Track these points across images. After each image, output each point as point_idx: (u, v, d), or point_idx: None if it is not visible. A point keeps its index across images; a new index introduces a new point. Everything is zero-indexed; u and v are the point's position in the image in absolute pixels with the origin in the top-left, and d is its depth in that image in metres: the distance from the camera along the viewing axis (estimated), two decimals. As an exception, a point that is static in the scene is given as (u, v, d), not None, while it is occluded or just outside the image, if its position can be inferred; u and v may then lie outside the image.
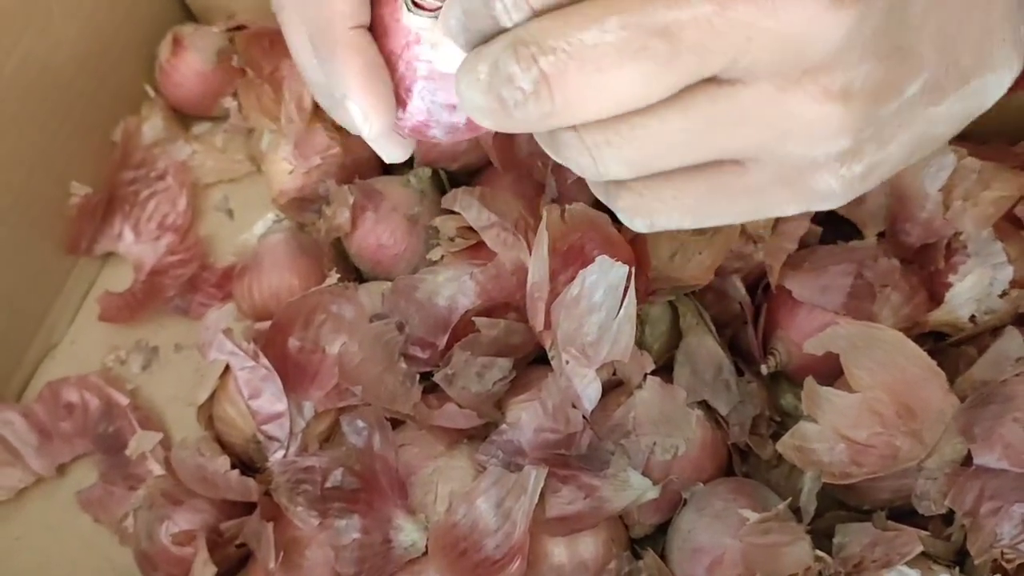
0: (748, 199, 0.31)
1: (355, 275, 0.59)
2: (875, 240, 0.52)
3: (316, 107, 0.59)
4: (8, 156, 0.59)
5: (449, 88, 0.33)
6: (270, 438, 0.51)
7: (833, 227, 0.54)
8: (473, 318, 0.49)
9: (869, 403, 0.45)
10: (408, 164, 0.60)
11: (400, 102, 0.35)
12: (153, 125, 0.68)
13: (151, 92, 0.68)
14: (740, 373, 0.51)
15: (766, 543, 0.44)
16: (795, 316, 0.51)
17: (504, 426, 0.49)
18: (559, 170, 0.54)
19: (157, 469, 0.56)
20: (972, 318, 0.50)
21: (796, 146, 0.28)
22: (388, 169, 0.63)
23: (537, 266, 0.48)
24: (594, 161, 0.29)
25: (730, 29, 0.25)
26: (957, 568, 0.44)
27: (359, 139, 0.60)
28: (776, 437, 0.48)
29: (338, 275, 0.53)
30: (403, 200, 0.57)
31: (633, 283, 0.45)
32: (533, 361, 0.52)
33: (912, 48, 0.28)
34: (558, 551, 0.47)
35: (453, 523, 0.47)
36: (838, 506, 0.49)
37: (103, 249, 0.66)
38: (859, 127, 0.28)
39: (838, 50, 0.26)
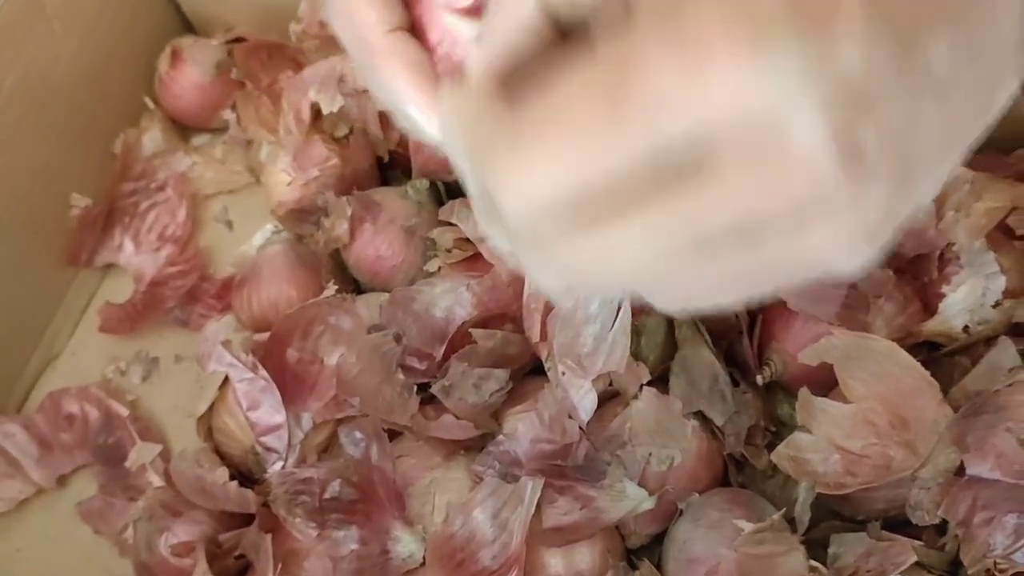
0: None
1: (353, 286, 0.59)
2: (869, 251, 0.53)
3: (314, 119, 0.60)
4: (9, 168, 0.60)
5: None
6: (268, 449, 0.51)
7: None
8: (470, 329, 0.50)
9: (863, 413, 0.46)
10: (406, 176, 0.61)
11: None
12: (153, 137, 0.68)
13: (151, 104, 0.68)
14: (736, 384, 0.51)
15: (761, 553, 0.44)
16: (790, 327, 0.51)
17: (501, 437, 0.49)
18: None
19: (156, 480, 0.56)
20: (965, 328, 0.50)
21: None
22: (386, 181, 0.64)
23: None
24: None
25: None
26: (951, 577, 0.44)
27: (357, 150, 0.61)
28: (772, 447, 0.49)
29: (336, 286, 0.54)
30: (401, 212, 0.57)
31: (628, 295, 0.46)
32: (529, 372, 0.53)
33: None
34: (554, 561, 0.47)
35: (450, 534, 0.47)
36: (833, 516, 0.49)
37: (103, 261, 0.67)
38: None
39: None
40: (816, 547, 0.46)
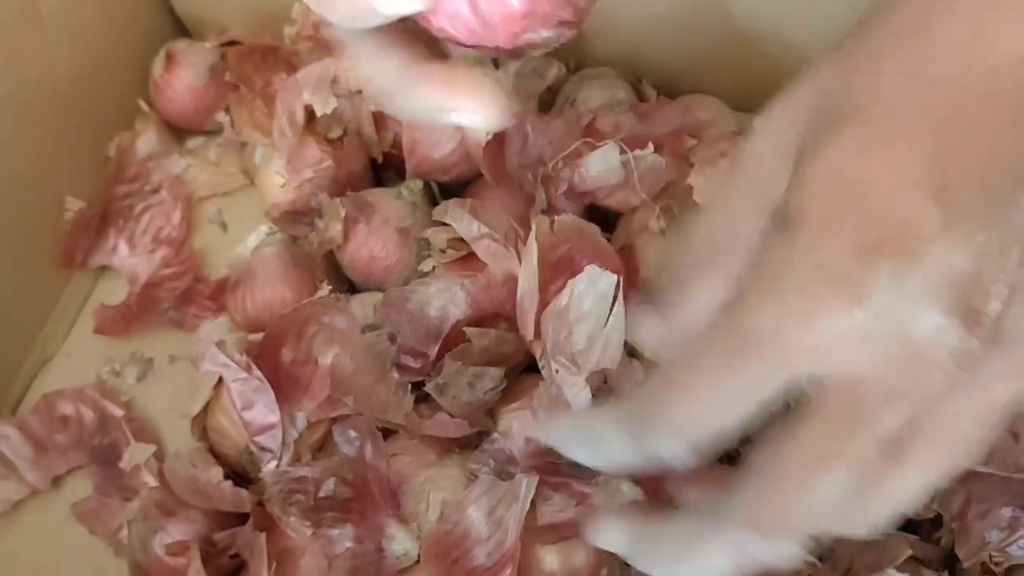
0: None
1: (347, 287, 0.59)
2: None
3: (308, 121, 0.60)
4: (3, 171, 0.60)
5: None
6: (263, 449, 0.51)
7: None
8: (464, 328, 0.50)
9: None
10: (400, 177, 0.61)
11: None
12: (147, 140, 0.68)
13: (145, 107, 0.69)
14: (730, 381, 0.51)
15: (755, 549, 0.44)
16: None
17: (495, 435, 0.49)
18: (548, 182, 0.55)
19: (151, 480, 0.56)
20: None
21: None
22: (380, 182, 0.64)
23: (527, 276, 0.48)
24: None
25: None
26: (946, 572, 0.44)
27: (351, 152, 0.61)
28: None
29: (330, 287, 0.54)
30: (395, 212, 0.57)
31: (622, 292, 0.46)
32: (524, 371, 0.53)
33: None
34: (549, 559, 0.47)
35: (445, 531, 0.47)
36: (828, 512, 0.49)
37: (98, 263, 0.67)
38: None
39: None
40: (812, 543, 0.46)
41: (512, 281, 0.50)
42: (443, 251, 0.53)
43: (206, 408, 0.54)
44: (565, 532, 0.47)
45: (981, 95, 0.26)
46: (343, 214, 0.56)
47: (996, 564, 0.43)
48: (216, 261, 0.66)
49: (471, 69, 0.31)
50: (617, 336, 0.46)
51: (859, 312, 0.25)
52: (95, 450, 0.60)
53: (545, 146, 0.56)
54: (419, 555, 0.48)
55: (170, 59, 0.68)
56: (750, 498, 0.29)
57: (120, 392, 0.62)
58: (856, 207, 0.25)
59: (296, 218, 0.60)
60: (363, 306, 0.54)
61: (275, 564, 0.48)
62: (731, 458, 0.51)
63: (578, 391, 0.47)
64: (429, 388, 0.49)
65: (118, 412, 0.60)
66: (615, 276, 0.45)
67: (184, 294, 0.64)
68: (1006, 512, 0.43)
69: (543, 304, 0.48)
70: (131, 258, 0.66)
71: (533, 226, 0.49)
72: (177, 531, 0.51)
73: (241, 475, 0.53)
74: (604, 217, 0.55)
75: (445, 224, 0.53)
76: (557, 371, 0.47)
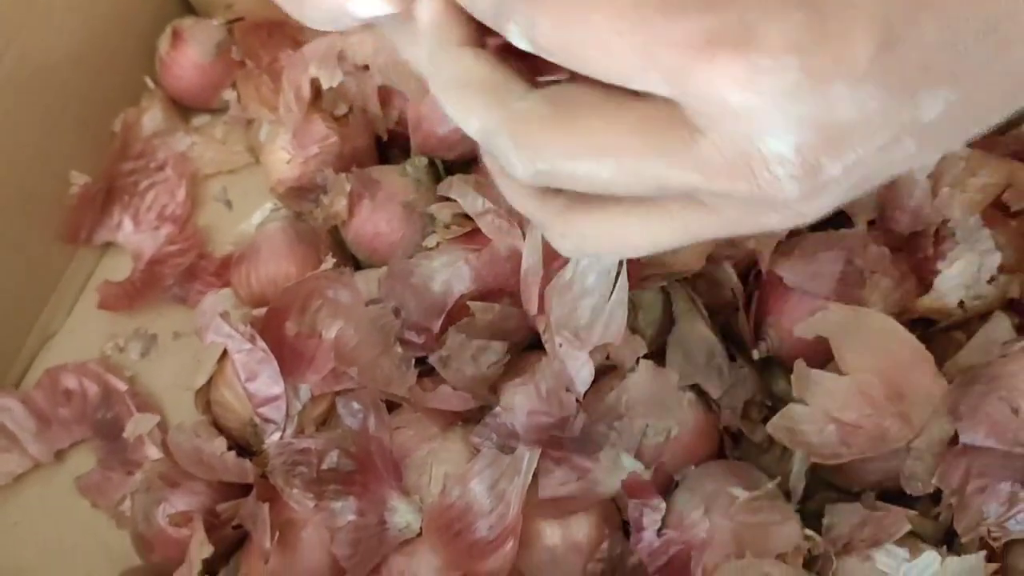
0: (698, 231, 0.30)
1: (352, 263, 0.59)
2: (865, 228, 0.53)
3: (314, 98, 0.60)
4: (8, 146, 0.60)
5: None
6: (266, 420, 0.51)
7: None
8: (468, 302, 0.50)
9: (858, 385, 0.46)
10: (405, 155, 0.61)
11: None
12: (153, 116, 0.68)
13: (151, 84, 0.69)
14: (732, 358, 0.52)
15: (756, 522, 0.45)
16: (786, 302, 0.51)
17: (498, 409, 0.49)
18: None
19: (154, 453, 0.56)
20: (960, 304, 0.50)
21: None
22: (385, 159, 0.64)
23: (531, 251, 0.49)
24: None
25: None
26: (945, 547, 0.44)
27: (356, 129, 0.61)
28: (768, 422, 0.49)
29: (334, 260, 0.54)
30: (400, 189, 0.58)
31: (625, 267, 0.46)
32: (527, 347, 0.53)
33: None
34: (551, 532, 0.48)
35: (447, 504, 0.47)
36: (828, 488, 0.50)
37: (102, 239, 0.67)
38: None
39: None
40: (811, 518, 0.47)
41: (516, 256, 0.51)
42: (447, 226, 0.54)
43: (210, 381, 0.54)
44: (567, 506, 0.48)
45: None
46: (348, 190, 0.57)
47: (994, 539, 0.43)
48: (220, 238, 0.66)
49: None
50: (620, 311, 0.46)
51: (748, 78, 0.24)
52: (98, 424, 0.60)
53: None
54: (421, 528, 0.48)
55: (176, 36, 0.68)
56: (535, 110, 0.28)
57: (124, 368, 0.63)
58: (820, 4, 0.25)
59: (301, 194, 0.60)
60: (367, 281, 0.54)
61: (277, 535, 0.48)
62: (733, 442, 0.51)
63: (581, 366, 0.47)
64: (433, 360, 0.49)
65: (122, 386, 0.60)
66: (619, 251, 0.46)
67: (188, 271, 0.64)
68: (1005, 487, 0.43)
69: (547, 279, 0.48)
70: (135, 235, 0.66)
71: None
72: (180, 502, 0.51)
73: (244, 448, 0.53)
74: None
75: (450, 200, 0.53)
76: (560, 345, 0.47)
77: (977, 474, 0.43)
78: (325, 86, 0.59)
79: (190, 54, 0.67)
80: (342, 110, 0.61)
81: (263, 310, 0.54)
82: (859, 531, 0.45)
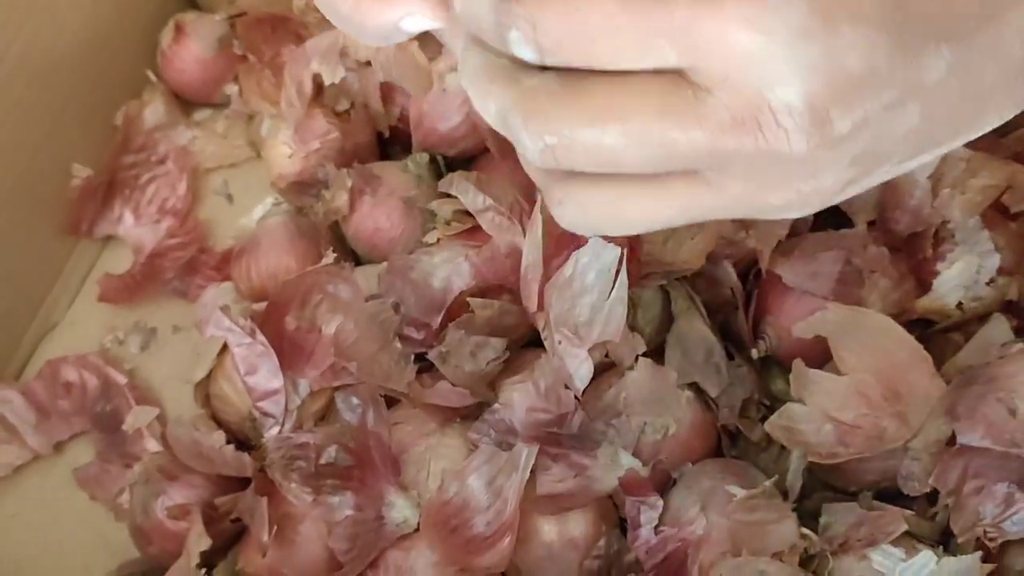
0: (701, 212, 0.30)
1: (352, 258, 0.59)
2: (865, 228, 0.53)
3: (316, 93, 0.60)
4: (10, 138, 0.60)
5: None
6: (265, 414, 0.51)
7: (823, 215, 0.54)
8: (467, 298, 0.50)
9: (856, 385, 0.46)
10: (406, 151, 0.61)
11: None
12: (154, 110, 0.68)
13: (153, 78, 0.69)
14: (731, 357, 0.52)
15: (753, 520, 0.45)
16: (785, 301, 0.52)
17: (496, 405, 0.49)
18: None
19: (153, 446, 0.57)
20: (959, 305, 0.50)
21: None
22: (386, 156, 0.64)
23: (531, 248, 0.49)
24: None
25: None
26: (941, 547, 0.45)
27: (358, 125, 0.62)
28: (766, 421, 0.49)
29: (335, 254, 0.54)
30: (400, 184, 0.58)
31: (625, 265, 0.46)
32: (526, 344, 0.53)
33: None
34: (548, 528, 0.48)
35: (445, 500, 0.47)
36: (825, 487, 0.50)
37: (103, 232, 0.67)
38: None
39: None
40: (808, 518, 0.47)
41: (516, 253, 0.51)
42: (448, 223, 0.54)
43: (209, 375, 0.54)
44: (564, 502, 0.48)
45: None
46: (349, 185, 0.57)
47: (990, 539, 0.43)
48: (221, 232, 0.67)
49: None
50: (620, 309, 0.46)
51: (749, 35, 0.25)
52: (97, 416, 0.60)
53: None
54: (419, 523, 0.48)
55: (179, 30, 0.68)
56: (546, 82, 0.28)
57: (123, 361, 0.63)
58: None
59: (302, 189, 0.60)
60: (367, 277, 0.54)
61: (275, 529, 0.48)
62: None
63: (580, 363, 0.47)
64: (432, 356, 0.49)
65: (121, 379, 0.60)
66: (618, 249, 0.46)
67: (188, 264, 0.64)
68: (1001, 488, 0.43)
69: (546, 276, 0.48)
70: (136, 228, 0.67)
71: (538, 199, 0.49)
72: (179, 495, 0.51)
73: (243, 442, 0.53)
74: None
75: (451, 196, 0.53)
76: (560, 343, 0.47)
77: (974, 475, 0.43)
78: (327, 82, 0.59)
79: (192, 48, 0.67)
80: (344, 106, 0.61)
81: (263, 304, 0.55)
82: (856, 531, 0.45)
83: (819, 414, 0.46)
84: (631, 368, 0.49)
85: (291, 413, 0.51)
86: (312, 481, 0.49)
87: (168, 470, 0.52)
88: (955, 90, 0.27)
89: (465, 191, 0.53)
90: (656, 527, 0.47)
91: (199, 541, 0.48)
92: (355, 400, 0.50)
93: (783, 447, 0.49)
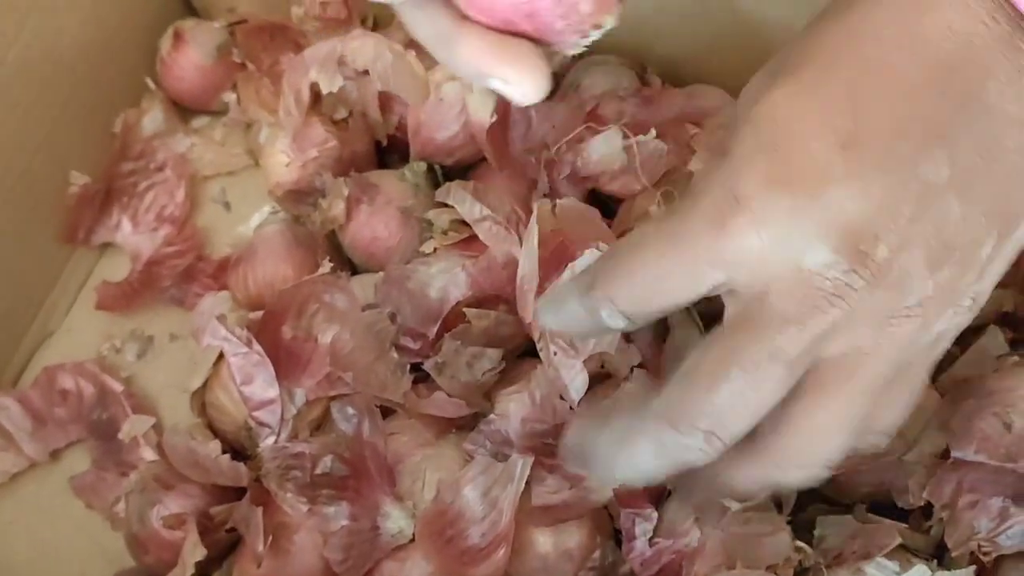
0: None
1: (349, 267, 0.59)
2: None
3: (314, 101, 0.60)
4: (8, 145, 0.60)
5: None
6: (261, 424, 0.51)
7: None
8: (464, 309, 0.50)
9: (852, 398, 0.46)
10: (404, 160, 0.61)
11: None
12: (153, 118, 0.68)
13: (151, 85, 0.69)
14: (726, 368, 0.52)
15: (747, 533, 0.45)
16: (781, 313, 0.51)
17: (492, 416, 0.49)
18: (551, 166, 0.55)
19: (150, 455, 0.57)
20: (955, 317, 0.50)
21: None
22: (384, 164, 0.64)
23: (527, 259, 0.49)
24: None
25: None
26: (935, 561, 0.44)
27: (356, 133, 0.62)
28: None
29: (331, 264, 0.54)
30: (398, 193, 0.58)
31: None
32: (522, 354, 0.53)
33: None
34: (543, 540, 0.48)
35: (440, 511, 0.47)
36: (820, 500, 0.50)
37: (101, 239, 0.67)
38: None
39: None
40: (803, 530, 0.47)
41: (513, 263, 0.51)
42: (445, 232, 0.54)
43: (206, 384, 0.54)
44: (559, 514, 0.48)
45: (908, 58, 0.29)
46: (346, 194, 0.57)
47: (985, 554, 0.43)
48: (219, 240, 0.67)
49: (520, 40, 0.33)
50: (615, 320, 0.46)
51: (759, 234, 0.29)
52: (94, 424, 0.60)
53: (548, 130, 0.56)
54: (414, 534, 0.48)
55: (178, 37, 0.68)
56: (670, 396, 0.32)
57: (120, 368, 0.63)
58: (773, 145, 0.29)
59: (299, 197, 0.60)
60: (364, 286, 0.54)
61: (271, 539, 0.48)
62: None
63: (575, 374, 0.47)
64: (428, 366, 0.49)
65: (118, 387, 0.60)
66: (614, 260, 0.46)
67: (186, 272, 0.64)
68: (996, 502, 0.43)
69: (543, 287, 0.48)
70: (134, 235, 0.67)
71: (535, 209, 0.49)
72: (174, 504, 0.51)
73: (239, 451, 0.53)
74: (605, 203, 0.56)
75: (448, 206, 0.53)
76: (555, 354, 0.47)
77: (968, 489, 0.43)
78: (325, 90, 0.59)
79: (191, 56, 0.67)
80: (342, 114, 0.61)
81: (260, 313, 0.55)
82: (850, 543, 0.45)
83: (814, 426, 0.46)
84: (627, 379, 0.49)
85: (287, 423, 0.51)
86: (308, 491, 0.49)
87: (164, 479, 0.52)
88: (975, 174, 0.29)
89: (462, 201, 0.53)
90: (651, 539, 0.47)
91: (194, 551, 0.48)
92: (351, 410, 0.50)
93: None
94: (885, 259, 0.29)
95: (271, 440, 0.51)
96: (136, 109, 0.68)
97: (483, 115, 0.54)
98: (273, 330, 0.53)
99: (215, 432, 0.54)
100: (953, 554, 0.44)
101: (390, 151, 0.64)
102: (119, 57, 0.68)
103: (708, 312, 0.53)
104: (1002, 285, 0.49)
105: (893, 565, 0.43)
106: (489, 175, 0.58)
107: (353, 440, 0.50)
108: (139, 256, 0.66)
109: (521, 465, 0.46)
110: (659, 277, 0.32)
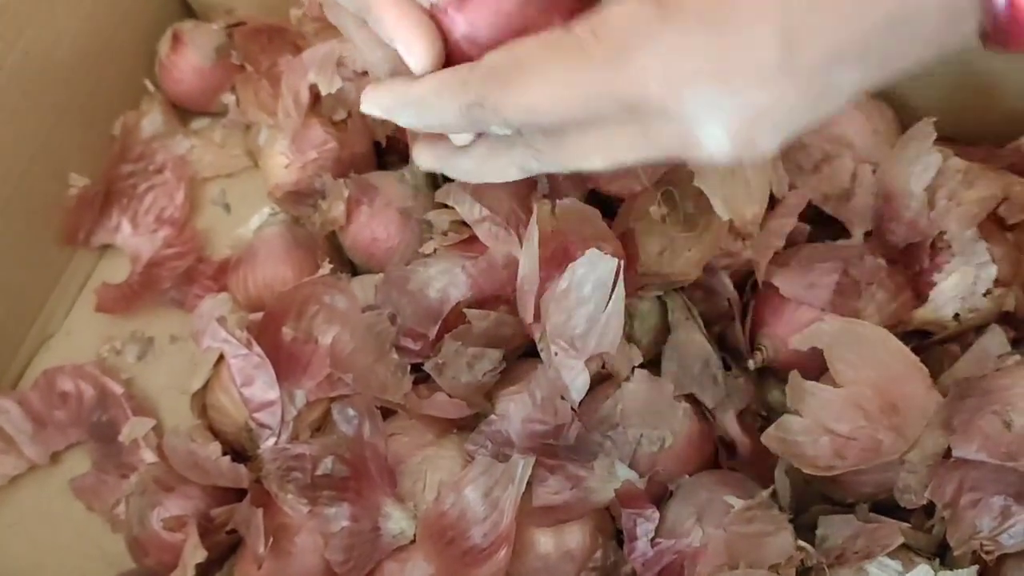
0: None
1: (349, 268, 0.59)
2: (861, 239, 0.53)
3: (313, 102, 0.60)
4: (8, 147, 0.60)
5: None
6: (262, 426, 0.51)
7: (821, 226, 0.55)
8: (464, 309, 0.50)
9: (853, 397, 0.46)
10: (403, 161, 0.61)
11: None
12: (152, 120, 0.68)
13: (151, 87, 0.69)
14: (727, 368, 0.52)
15: (749, 532, 0.45)
16: (782, 312, 0.52)
17: (493, 417, 0.49)
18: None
19: (150, 457, 0.57)
20: (956, 316, 0.50)
21: None
22: (384, 166, 0.64)
23: (527, 259, 0.49)
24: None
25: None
26: (938, 560, 0.44)
27: (355, 135, 0.62)
28: (762, 432, 0.49)
29: (331, 265, 0.54)
30: (397, 195, 0.58)
31: (622, 276, 0.46)
32: (523, 355, 0.53)
33: None
34: (544, 540, 0.48)
35: (441, 512, 0.47)
36: (822, 500, 0.50)
37: (100, 241, 0.67)
38: None
39: None
40: (806, 530, 0.47)
41: (513, 264, 0.51)
42: (445, 233, 0.54)
43: (206, 385, 0.54)
44: (560, 514, 0.48)
45: None
46: (346, 195, 0.57)
47: (987, 552, 0.43)
48: (219, 242, 0.67)
49: (421, 14, 0.36)
50: (616, 320, 0.46)
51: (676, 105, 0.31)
52: (94, 426, 0.60)
53: (548, 131, 0.56)
54: (415, 535, 0.48)
55: (176, 40, 0.68)
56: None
57: (120, 370, 0.63)
58: (716, 26, 0.30)
59: (299, 199, 0.60)
60: (364, 287, 0.54)
61: (271, 541, 0.48)
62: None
63: (576, 374, 0.47)
64: (428, 367, 0.49)
65: (118, 389, 0.60)
66: (615, 260, 0.46)
67: (186, 274, 0.65)
68: (997, 501, 0.43)
69: (543, 287, 0.48)
70: (134, 237, 0.67)
71: (535, 210, 0.49)
72: (175, 506, 0.51)
73: (240, 453, 0.53)
74: (606, 203, 0.56)
75: (447, 206, 0.53)
76: (556, 354, 0.47)
77: (970, 488, 0.43)
78: (324, 92, 0.59)
79: (190, 58, 0.68)
80: (341, 116, 0.61)
81: (259, 315, 0.54)
82: (852, 543, 0.45)
83: (816, 426, 0.46)
84: (628, 379, 0.49)
85: (287, 424, 0.51)
86: (308, 492, 0.49)
87: (164, 481, 0.52)
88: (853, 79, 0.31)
89: (462, 202, 0.52)
90: (652, 539, 0.47)
91: (195, 553, 0.48)
92: (351, 411, 0.50)
93: (780, 458, 0.49)
94: (767, 150, 0.32)
95: (271, 441, 0.51)
96: (135, 111, 0.69)
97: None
98: (273, 332, 0.53)
99: (215, 434, 0.54)
100: (955, 553, 0.44)
101: (389, 151, 0.64)
102: (118, 60, 0.68)
103: (709, 314, 0.53)
104: (1004, 284, 0.49)
105: (896, 564, 0.43)
106: (489, 176, 0.57)
107: (354, 441, 0.50)
108: (139, 258, 0.66)
109: (522, 466, 0.46)
110: (558, 103, 0.33)
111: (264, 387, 0.51)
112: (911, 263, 0.52)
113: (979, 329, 0.50)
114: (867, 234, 0.54)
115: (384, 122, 0.61)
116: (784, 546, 0.44)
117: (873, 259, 0.51)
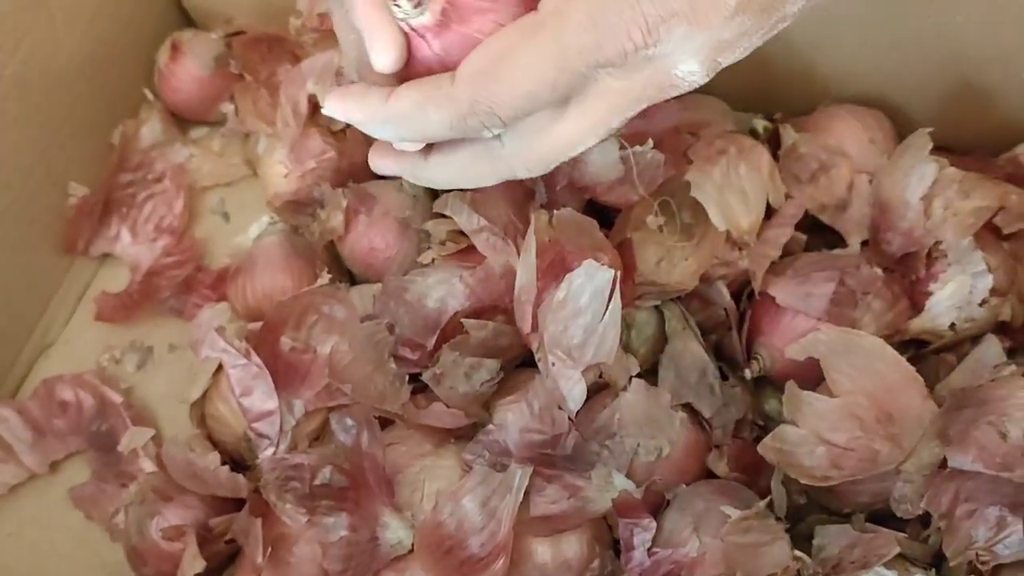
0: None
1: (347, 278, 0.59)
2: (858, 248, 0.53)
3: (312, 111, 0.60)
4: (7, 156, 0.60)
5: None
6: (260, 435, 0.51)
7: (817, 235, 0.55)
8: (462, 319, 0.50)
9: (849, 407, 0.46)
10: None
11: None
12: (151, 128, 0.69)
13: (150, 96, 0.69)
14: (724, 378, 0.52)
15: (746, 542, 0.45)
16: (778, 322, 0.52)
17: (491, 426, 0.49)
18: (549, 177, 0.55)
19: (149, 466, 0.57)
20: (952, 326, 0.51)
21: None
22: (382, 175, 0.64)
23: (525, 269, 0.49)
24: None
25: None
26: (934, 570, 0.45)
27: (354, 144, 0.62)
28: (759, 441, 0.49)
29: (330, 275, 0.54)
30: (396, 204, 0.58)
31: (619, 287, 0.46)
32: (520, 364, 0.53)
33: None
34: (542, 550, 0.48)
35: (439, 521, 0.47)
36: (819, 510, 0.50)
37: (100, 250, 0.67)
38: None
39: None
40: (802, 540, 0.47)
41: (511, 274, 0.51)
42: (443, 243, 0.54)
43: (204, 396, 0.54)
44: (558, 524, 0.48)
45: None
46: (344, 205, 0.57)
47: (983, 563, 0.43)
48: (217, 251, 0.67)
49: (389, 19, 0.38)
50: (613, 330, 0.46)
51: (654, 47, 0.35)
52: (93, 436, 0.60)
53: (546, 141, 0.56)
54: (413, 544, 0.48)
55: (175, 49, 0.68)
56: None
57: (119, 379, 0.63)
58: None
59: (298, 208, 0.60)
60: (362, 297, 0.54)
61: (270, 550, 0.48)
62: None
63: (573, 384, 0.47)
64: (426, 377, 0.49)
65: (117, 398, 0.61)
66: (612, 271, 0.46)
67: (185, 283, 0.65)
68: (993, 511, 0.43)
69: (540, 297, 0.48)
70: (133, 246, 0.67)
71: (532, 220, 0.49)
72: (174, 516, 0.52)
73: (238, 462, 0.53)
74: (603, 213, 0.56)
75: (445, 216, 0.53)
76: (553, 364, 0.47)
77: (966, 498, 0.43)
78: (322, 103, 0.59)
79: (189, 67, 0.68)
80: (339, 125, 0.61)
81: (258, 324, 0.55)
82: (849, 553, 0.45)
83: (812, 436, 0.47)
84: (625, 389, 0.49)
85: (286, 434, 0.51)
86: (307, 502, 0.49)
87: (163, 491, 0.52)
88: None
89: (460, 211, 0.53)
90: (649, 549, 0.47)
91: (193, 562, 0.48)
92: (349, 421, 0.50)
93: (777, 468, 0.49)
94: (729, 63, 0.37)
95: (270, 451, 0.51)
96: (134, 120, 0.69)
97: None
98: (272, 341, 0.53)
99: (214, 443, 0.54)
100: (951, 563, 0.44)
101: (388, 161, 0.64)
102: (117, 69, 0.68)
103: (706, 324, 0.53)
104: (1000, 294, 0.50)
105: (892, 574, 0.43)
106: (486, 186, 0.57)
107: (352, 451, 0.50)
108: (138, 267, 0.66)
109: (520, 475, 0.47)
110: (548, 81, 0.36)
111: (263, 397, 0.51)
112: (907, 273, 0.52)
113: (975, 339, 0.50)
114: (863, 244, 0.54)
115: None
116: (781, 556, 0.45)
117: (869, 269, 0.51)
